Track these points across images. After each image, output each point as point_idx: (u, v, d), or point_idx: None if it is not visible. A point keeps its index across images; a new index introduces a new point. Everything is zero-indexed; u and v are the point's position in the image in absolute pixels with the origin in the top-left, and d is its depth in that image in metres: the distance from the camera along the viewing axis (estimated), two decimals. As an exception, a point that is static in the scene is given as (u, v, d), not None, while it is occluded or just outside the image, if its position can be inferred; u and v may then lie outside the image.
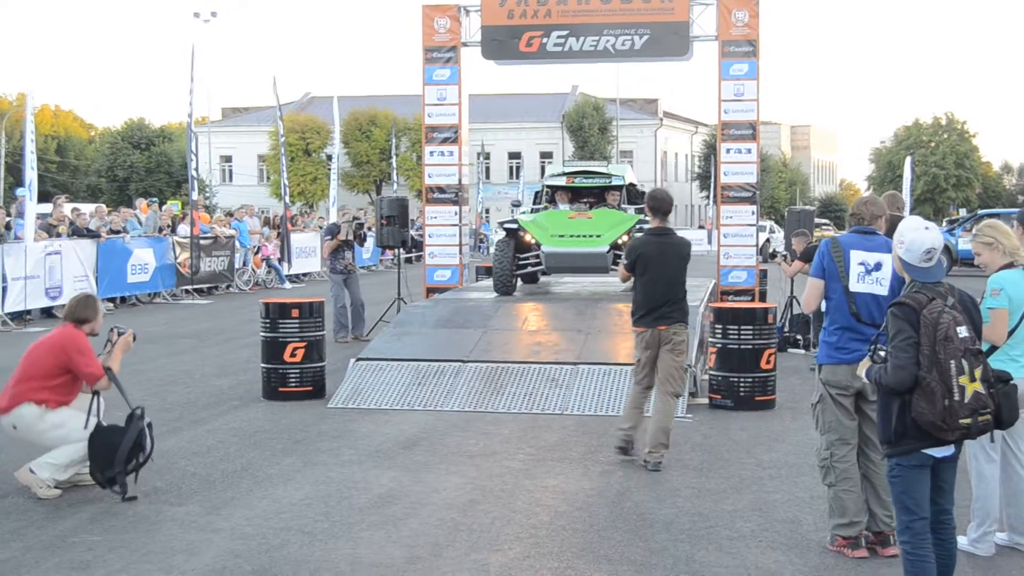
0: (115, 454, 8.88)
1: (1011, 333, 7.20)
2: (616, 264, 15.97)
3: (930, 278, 5.96)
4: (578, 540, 7.80)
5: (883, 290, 7.41)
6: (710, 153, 74.19)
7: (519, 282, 18.61)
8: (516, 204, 20.72)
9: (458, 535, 7.92)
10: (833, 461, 7.55)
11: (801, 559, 7.42)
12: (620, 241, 16.66)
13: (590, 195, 19.23)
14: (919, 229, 6.03)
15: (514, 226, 17.72)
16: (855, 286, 7.45)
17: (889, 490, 6.36)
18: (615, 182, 19.03)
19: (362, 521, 8.28)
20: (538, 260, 17.53)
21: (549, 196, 19.56)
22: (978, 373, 5.71)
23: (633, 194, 19.43)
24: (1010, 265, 7.35)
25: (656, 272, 9.94)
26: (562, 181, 19.27)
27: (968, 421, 5.69)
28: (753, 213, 19.63)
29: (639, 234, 11.57)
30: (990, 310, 7.09)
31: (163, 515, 8.42)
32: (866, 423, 7.53)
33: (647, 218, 15.98)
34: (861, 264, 7.44)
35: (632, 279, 10.28)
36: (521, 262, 17.93)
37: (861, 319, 7.38)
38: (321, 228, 38.45)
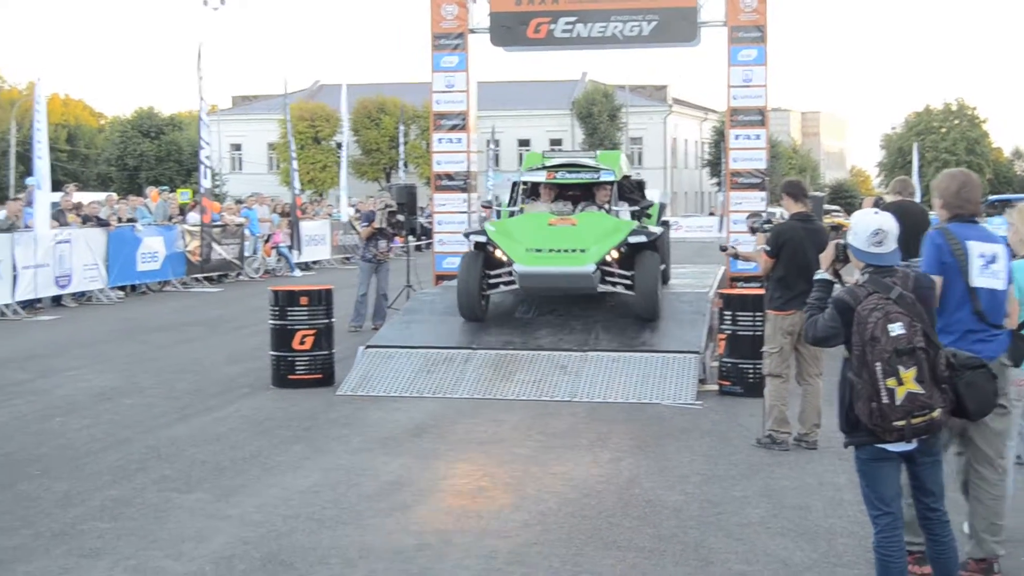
0: None
1: None
2: (605, 283, 14.12)
3: (881, 262, 5.79)
4: (587, 527, 7.80)
5: (1001, 284, 6.64)
6: (719, 140, 74.01)
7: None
8: (488, 204, 18.32)
9: (467, 522, 7.92)
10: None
11: (811, 545, 7.40)
12: (609, 258, 14.13)
13: (576, 189, 16.28)
14: (867, 213, 5.94)
15: (482, 238, 14.67)
16: (977, 280, 6.55)
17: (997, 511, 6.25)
18: (604, 177, 15.91)
19: (371, 508, 8.28)
20: (512, 278, 14.28)
21: (528, 191, 16.45)
22: (910, 374, 5.49)
23: (627, 188, 16.92)
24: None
25: (802, 257, 9.79)
26: (542, 177, 16.10)
27: (902, 423, 5.51)
28: (763, 199, 19.55)
29: (772, 224, 10.85)
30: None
31: (172, 502, 8.44)
32: (981, 433, 6.66)
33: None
34: (980, 256, 6.57)
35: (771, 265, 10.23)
36: (492, 280, 14.63)
37: (985, 318, 6.54)
38: (331, 216, 38.49)
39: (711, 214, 69.44)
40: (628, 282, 14.18)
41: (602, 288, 14.10)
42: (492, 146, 59.58)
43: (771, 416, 10.20)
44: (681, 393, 12.45)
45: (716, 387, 12.96)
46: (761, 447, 10.14)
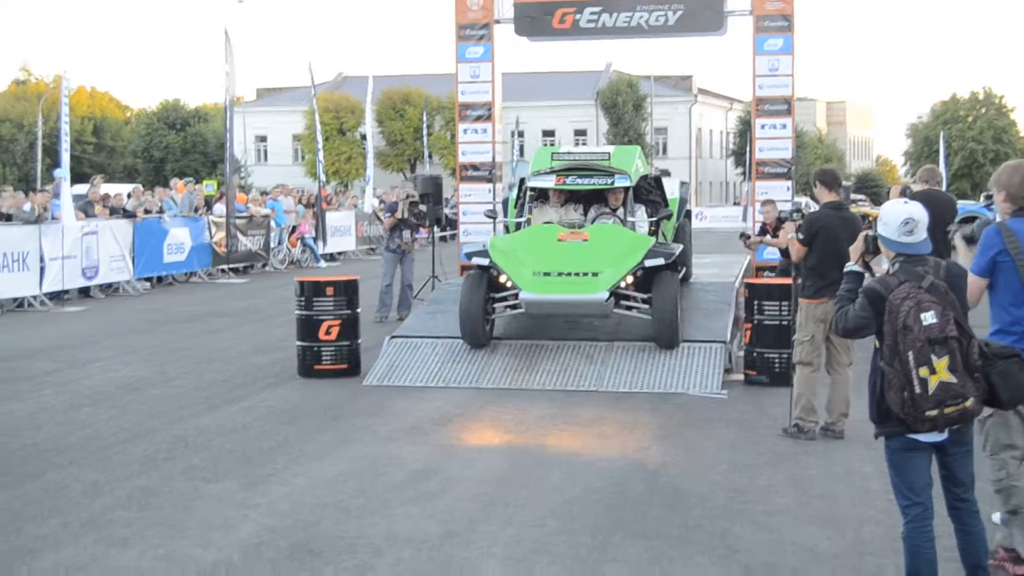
0: None
1: None
2: (620, 307, 13.08)
3: (912, 251, 5.75)
4: (613, 515, 7.80)
5: None
6: (745, 129, 73.81)
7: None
8: (492, 215, 16.50)
9: (493, 510, 7.93)
10: (1011, 481, 6.61)
11: (838, 534, 7.39)
12: (623, 284, 12.98)
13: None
14: (897, 203, 5.91)
15: (484, 261, 13.40)
16: None
17: None
18: (619, 183, 14.47)
19: (397, 497, 8.30)
20: (519, 300, 13.09)
21: (536, 195, 15.08)
22: (943, 363, 5.46)
23: (644, 189, 15.46)
24: None
25: (835, 246, 9.63)
26: (550, 182, 14.64)
27: (934, 413, 5.48)
28: (788, 189, 19.48)
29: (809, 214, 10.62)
30: None
31: (200, 492, 8.47)
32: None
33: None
34: None
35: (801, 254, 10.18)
36: (497, 302, 13.52)
37: None
38: (356, 207, 38.55)
39: (736, 204, 69.27)
40: (644, 305, 13.12)
41: (617, 312, 13.13)
42: (517, 137, 59.52)
43: (799, 404, 10.17)
44: (707, 382, 12.43)
45: (742, 376, 12.94)
46: (787, 436, 10.12)
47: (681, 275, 14.11)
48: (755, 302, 12.85)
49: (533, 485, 8.59)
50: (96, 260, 22.61)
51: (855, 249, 6.16)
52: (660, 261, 13.03)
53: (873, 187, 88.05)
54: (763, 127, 19.52)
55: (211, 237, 27.19)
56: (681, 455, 9.58)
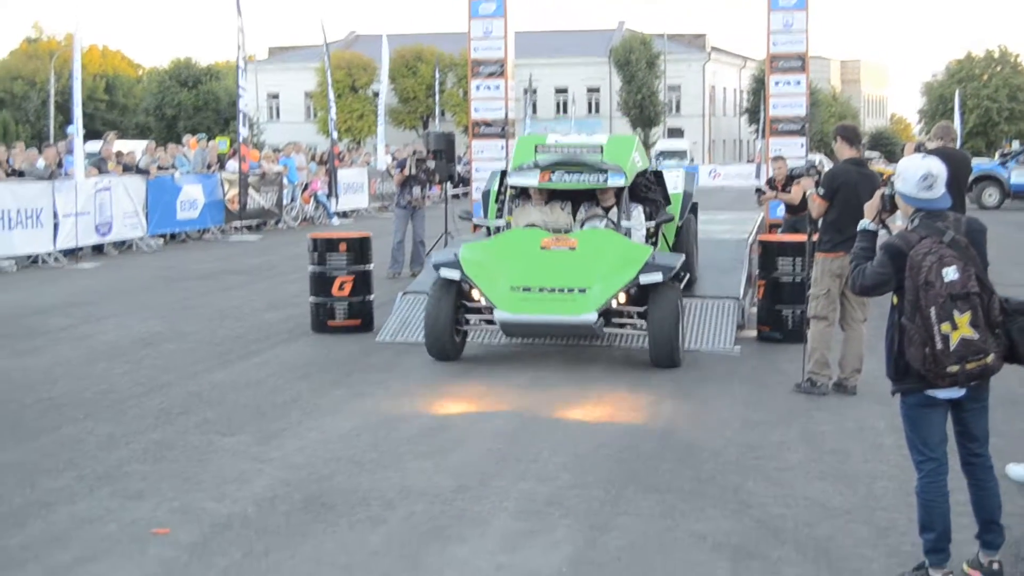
0: None
1: None
2: (611, 326, 11.57)
3: (932, 206, 5.72)
4: (625, 470, 7.82)
5: None
6: (759, 88, 73.46)
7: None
8: (466, 217, 14.33)
9: (505, 465, 7.96)
10: None
11: (850, 489, 7.40)
12: (615, 304, 11.26)
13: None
14: (915, 158, 5.87)
15: (455, 275, 11.58)
16: None
17: None
18: (613, 181, 12.39)
19: (410, 451, 8.33)
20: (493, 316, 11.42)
21: (516, 193, 13.07)
22: (965, 318, 5.46)
23: (642, 186, 13.26)
24: None
25: (856, 201, 9.19)
26: (533, 179, 12.62)
27: (955, 369, 5.48)
28: (802, 146, 19.46)
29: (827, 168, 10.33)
30: None
31: (214, 445, 8.52)
32: None
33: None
34: None
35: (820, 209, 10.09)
36: (468, 313, 11.84)
37: None
38: (368, 164, 38.50)
39: (750, 162, 69.10)
40: (640, 320, 11.51)
41: (608, 331, 11.60)
42: (530, 94, 59.34)
43: (812, 359, 10.17)
44: (720, 339, 12.42)
45: (755, 333, 12.94)
46: (800, 392, 10.12)
47: (684, 282, 12.49)
48: (769, 258, 12.82)
49: (545, 440, 8.61)
50: (110, 217, 22.63)
51: (871, 206, 6.12)
52: (658, 277, 11.27)
53: (887, 145, 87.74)
54: (777, 84, 19.47)
55: (224, 194, 27.18)
56: (694, 411, 9.60)
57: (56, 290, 17.57)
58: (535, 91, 67.18)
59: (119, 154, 26.31)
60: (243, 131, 27.96)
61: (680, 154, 68.92)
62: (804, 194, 11.50)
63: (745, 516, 6.89)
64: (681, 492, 7.33)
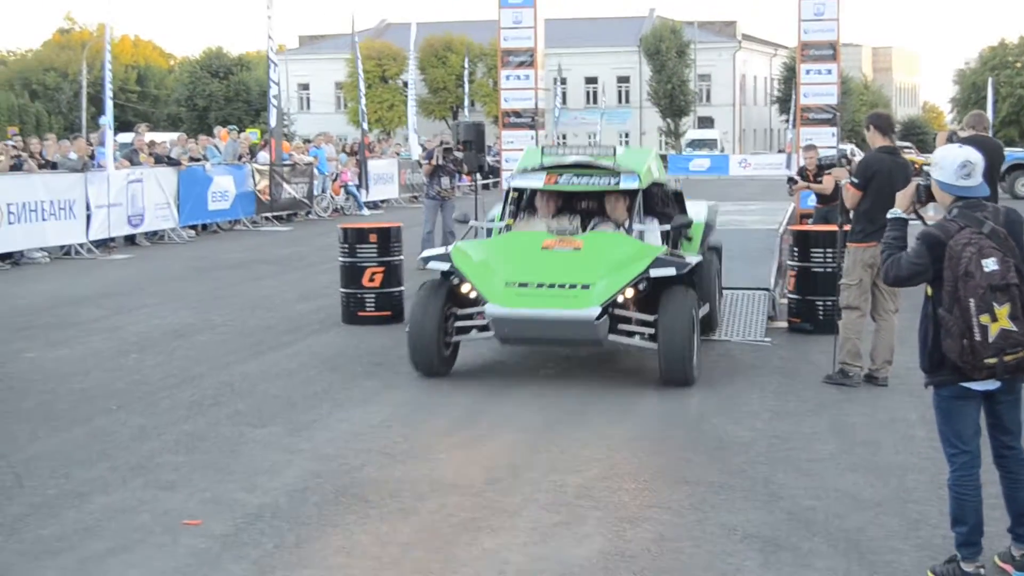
0: None
1: None
2: (618, 333, 10.19)
3: (971, 194, 5.65)
4: (656, 462, 7.82)
5: None
6: (790, 76, 73.17)
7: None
8: (463, 220, 12.59)
9: (536, 457, 7.97)
10: None
11: (881, 481, 7.37)
12: (621, 299, 10.08)
13: (587, 200, 11.80)
14: (952, 147, 5.82)
15: (444, 265, 10.61)
16: None
17: None
18: (625, 184, 11.14)
19: (441, 443, 8.36)
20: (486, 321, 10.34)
21: (519, 202, 11.93)
22: (1004, 310, 5.39)
23: (659, 199, 11.85)
24: None
25: (890, 190, 8.79)
26: (538, 182, 11.45)
27: (993, 361, 5.43)
28: (834, 135, 19.35)
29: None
30: None
31: (246, 437, 8.56)
32: None
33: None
34: None
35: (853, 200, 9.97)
36: (460, 322, 10.58)
37: None
38: (399, 155, 38.55)
39: (780, 151, 68.85)
40: (650, 330, 10.20)
41: (614, 339, 10.22)
42: (559, 84, 59.30)
43: (844, 349, 10.12)
44: (750, 330, 12.40)
45: (785, 324, 12.89)
46: (831, 384, 10.08)
47: (703, 313, 11.01)
48: (800, 249, 12.77)
49: (575, 432, 8.61)
50: (141, 208, 22.76)
51: (904, 195, 6.07)
52: (670, 271, 10.18)
53: (919, 134, 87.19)
54: (808, 72, 19.37)
55: (255, 185, 27.28)
56: (724, 402, 9.57)
57: (88, 281, 17.68)
58: (564, 80, 67.25)
59: (151, 144, 26.45)
60: (273, 121, 28.02)
61: (710, 143, 68.90)
62: (836, 184, 11.44)
63: (775, 508, 6.88)
64: (711, 485, 7.32)
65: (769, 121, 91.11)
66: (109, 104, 22.32)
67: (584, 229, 11.23)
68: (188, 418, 9.11)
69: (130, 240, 22.79)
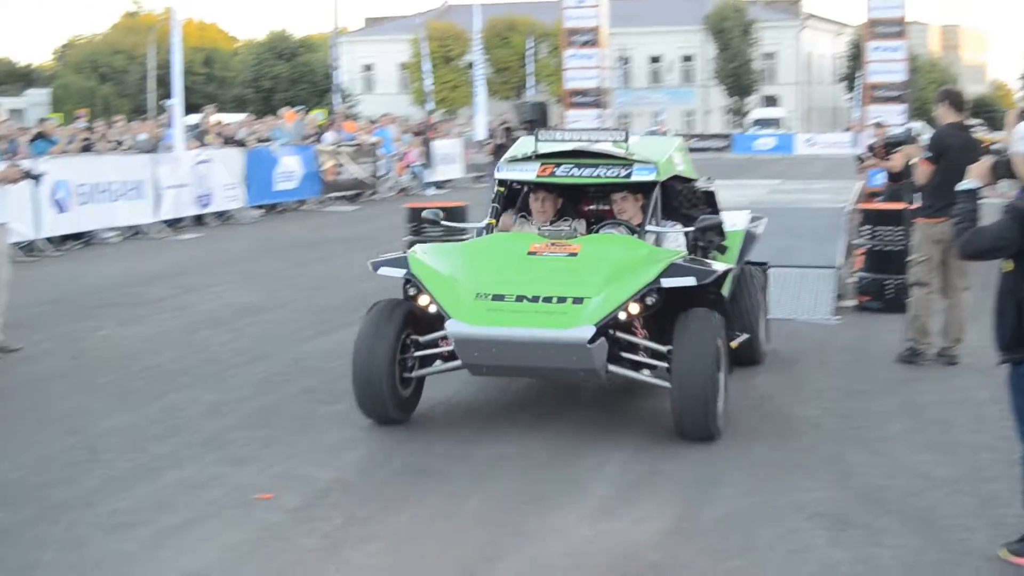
0: None
1: None
2: (620, 364, 7.88)
3: None
4: (722, 441, 7.76)
5: None
6: (856, 54, 72.39)
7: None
8: (434, 218, 9.87)
9: (602, 434, 7.97)
10: None
11: (952, 460, 7.32)
12: (623, 316, 7.66)
13: (594, 199, 9.58)
14: None
15: (398, 272, 8.46)
16: None
17: None
18: (640, 175, 8.73)
19: (507, 420, 8.39)
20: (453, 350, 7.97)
21: (509, 198, 9.56)
22: None
23: (684, 199, 9.75)
24: None
25: (958, 166, 8.10)
26: (531, 173, 9.02)
27: None
28: (902, 112, 19.13)
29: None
30: None
31: (315, 413, 8.64)
32: None
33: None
34: None
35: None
36: (422, 351, 8.29)
37: None
38: (462, 135, 38.59)
39: (847, 130, 68.16)
40: (663, 363, 7.87)
41: (614, 370, 7.87)
42: (622, 64, 59.08)
43: (913, 326, 10.03)
44: (818, 309, 12.30)
45: (854, 303, 12.78)
46: (901, 362, 10.00)
47: (738, 342, 9.06)
48: (869, 227, 12.65)
49: (638, 411, 8.61)
50: (209, 188, 22.98)
51: (980, 169, 5.98)
52: (688, 281, 7.79)
53: (988, 112, 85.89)
54: (875, 50, 19.24)
55: (320, 166, 27.44)
56: (791, 381, 9.52)
57: (158, 261, 17.88)
58: (627, 60, 66.93)
59: (218, 124, 26.68)
60: (338, 102, 28.14)
61: (775, 122, 68.28)
62: (907, 162, 11.31)
63: (845, 486, 6.84)
64: (778, 462, 7.29)
65: (834, 100, 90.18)
66: (179, 84, 22.51)
67: (587, 232, 9.06)
68: (258, 395, 9.22)
69: (198, 220, 23.02)
